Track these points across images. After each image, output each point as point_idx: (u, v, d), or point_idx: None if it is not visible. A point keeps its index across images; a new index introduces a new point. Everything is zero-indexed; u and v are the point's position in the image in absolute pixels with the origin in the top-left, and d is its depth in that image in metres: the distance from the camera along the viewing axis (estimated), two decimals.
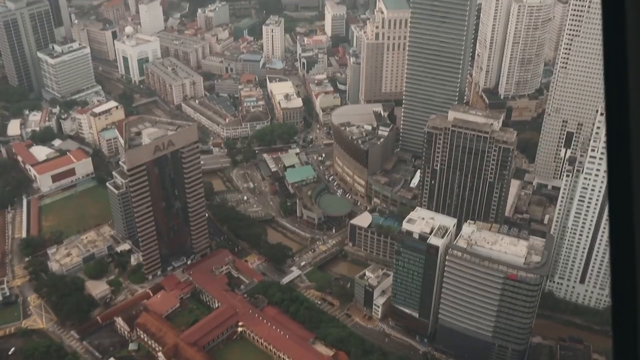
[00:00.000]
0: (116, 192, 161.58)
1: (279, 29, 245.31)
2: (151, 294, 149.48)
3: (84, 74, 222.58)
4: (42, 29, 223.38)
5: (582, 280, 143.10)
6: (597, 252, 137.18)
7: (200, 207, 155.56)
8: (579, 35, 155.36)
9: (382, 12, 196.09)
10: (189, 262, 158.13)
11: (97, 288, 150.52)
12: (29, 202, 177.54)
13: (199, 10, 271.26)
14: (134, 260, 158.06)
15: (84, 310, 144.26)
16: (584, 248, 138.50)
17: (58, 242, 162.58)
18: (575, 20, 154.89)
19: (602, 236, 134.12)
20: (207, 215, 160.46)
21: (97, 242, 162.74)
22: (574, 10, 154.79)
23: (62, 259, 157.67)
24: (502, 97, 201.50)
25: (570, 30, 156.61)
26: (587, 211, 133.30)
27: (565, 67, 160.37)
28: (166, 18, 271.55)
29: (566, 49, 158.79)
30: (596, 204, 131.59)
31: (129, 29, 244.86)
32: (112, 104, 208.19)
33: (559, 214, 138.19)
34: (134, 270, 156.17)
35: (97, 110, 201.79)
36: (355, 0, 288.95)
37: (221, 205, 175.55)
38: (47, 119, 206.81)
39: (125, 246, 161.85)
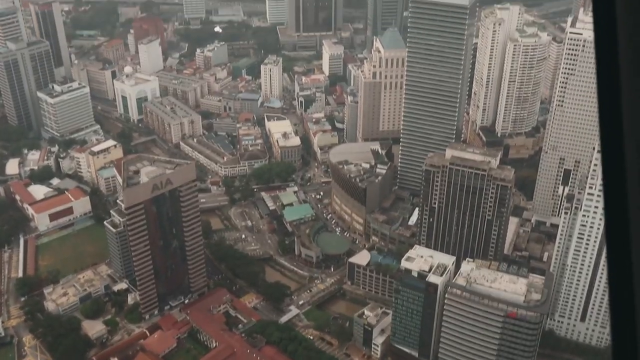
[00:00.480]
0: (114, 230, 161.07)
1: (277, 68, 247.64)
2: (148, 334, 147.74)
3: (83, 113, 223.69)
4: (42, 69, 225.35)
5: (582, 319, 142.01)
6: (597, 289, 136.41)
7: (198, 245, 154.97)
8: (574, 74, 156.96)
9: (379, 52, 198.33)
10: (186, 301, 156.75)
11: (94, 328, 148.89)
12: (26, 241, 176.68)
13: (198, 50, 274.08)
14: (130, 299, 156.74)
15: (79, 351, 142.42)
16: (584, 286, 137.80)
17: (54, 281, 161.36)
18: (570, 60, 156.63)
19: (601, 274, 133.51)
20: (204, 253, 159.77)
21: (94, 281, 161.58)
22: (569, 49, 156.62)
23: (58, 298, 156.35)
24: (499, 135, 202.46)
25: (566, 69, 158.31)
26: (587, 248, 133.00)
27: (562, 105, 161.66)
28: (165, 58, 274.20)
29: (562, 87, 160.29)
30: (595, 241, 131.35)
31: (128, 69, 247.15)
32: (111, 142, 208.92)
33: (558, 251, 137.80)
34: (130, 309, 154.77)
35: (95, 149, 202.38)
36: (353, 40, 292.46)
37: (219, 244, 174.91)
38: (45, 157, 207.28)
39: (122, 285, 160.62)
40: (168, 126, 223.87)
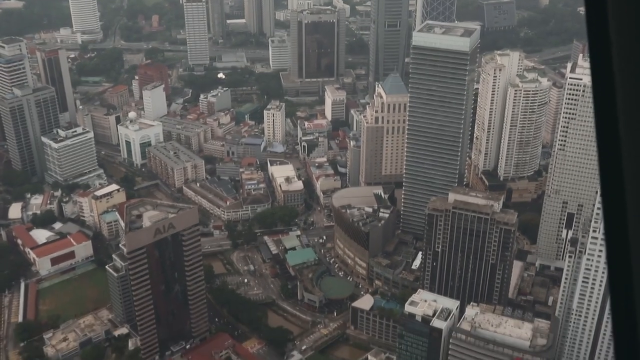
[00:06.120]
0: (115, 275, 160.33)
1: (280, 113, 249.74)
2: None
3: (86, 157, 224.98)
4: (47, 114, 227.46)
5: None
6: (604, 334, 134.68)
7: (200, 290, 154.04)
8: (575, 119, 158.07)
9: (381, 97, 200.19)
10: (187, 347, 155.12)
11: None
12: (27, 286, 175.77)
13: (202, 96, 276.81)
14: (131, 344, 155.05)
15: None
16: (590, 330, 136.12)
17: (55, 326, 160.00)
18: (571, 105, 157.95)
19: (608, 318, 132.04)
20: (206, 298, 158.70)
21: (95, 326, 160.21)
22: (569, 94, 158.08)
23: (58, 343, 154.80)
24: (501, 179, 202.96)
25: (566, 113, 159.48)
26: (592, 293, 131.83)
27: (563, 149, 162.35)
28: (169, 103, 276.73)
29: (563, 131, 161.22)
30: (600, 285, 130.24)
31: (132, 114, 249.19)
32: (114, 187, 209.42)
33: (563, 295, 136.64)
34: (131, 355, 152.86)
35: (98, 193, 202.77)
36: (355, 85, 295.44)
37: (221, 289, 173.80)
38: (48, 202, 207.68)
39: (123, 330, 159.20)
40: (171, 171, 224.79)
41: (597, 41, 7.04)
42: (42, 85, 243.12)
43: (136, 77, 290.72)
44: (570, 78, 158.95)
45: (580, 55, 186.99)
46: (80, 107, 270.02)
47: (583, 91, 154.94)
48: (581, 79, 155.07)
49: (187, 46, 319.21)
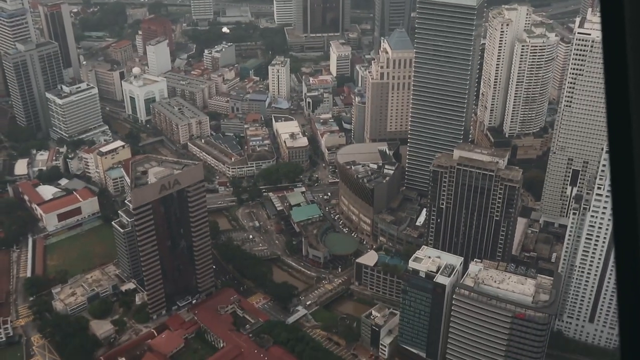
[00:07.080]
0: (122, 231, 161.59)
1: (285, 69, 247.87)
2: (156, 334, 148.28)
3: (91, 114, 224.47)
4: (51, 70, 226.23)
5: (591, 319, 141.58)
6: (606, 290, 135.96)
7: (205, 246, 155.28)
8: (582, 75, 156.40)
9: (386, 53, 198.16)
10: (194, 302, 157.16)
11: (102, 328, 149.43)
12: (35, 241, 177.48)
13: (206, 51, 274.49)
14: (138, 299, 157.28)
15: (87, 351, 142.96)
16: (592, 286, 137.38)
17: (63, 281, 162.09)
18: (579, 60, 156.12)
19: (610, 274, 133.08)
20: (212, 254, 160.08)
21: (102, 281, 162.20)
22: (577, 50, 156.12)
23: (66, 298, 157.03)
24: (507, 135, 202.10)
25: (574, 69, 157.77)
26: (595, 249, 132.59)
27: (570, 106, 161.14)
28: (173, 59, 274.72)
29: (570, 88, 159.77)
30: (604, 242, 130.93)
31: (136, 70, 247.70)
32: (119, 143, 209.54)
33: (566, 252, 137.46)
34: (138, 309, 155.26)
35: (103, 149, 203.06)
36: (360, 41, 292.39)
37: (227, 244, 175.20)
38: (54, 158, 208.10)
39: (130, 285, 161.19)
40: (176, 127, 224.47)
41: None
42: (45, 40, 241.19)
43: (140, 32, 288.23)
44: (578, 33, 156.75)
45: (590, 9, 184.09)
46: (84, 62, 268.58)
47: (591, 47, 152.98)
48: (589, 34, 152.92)
49: (190, 0, 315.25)
